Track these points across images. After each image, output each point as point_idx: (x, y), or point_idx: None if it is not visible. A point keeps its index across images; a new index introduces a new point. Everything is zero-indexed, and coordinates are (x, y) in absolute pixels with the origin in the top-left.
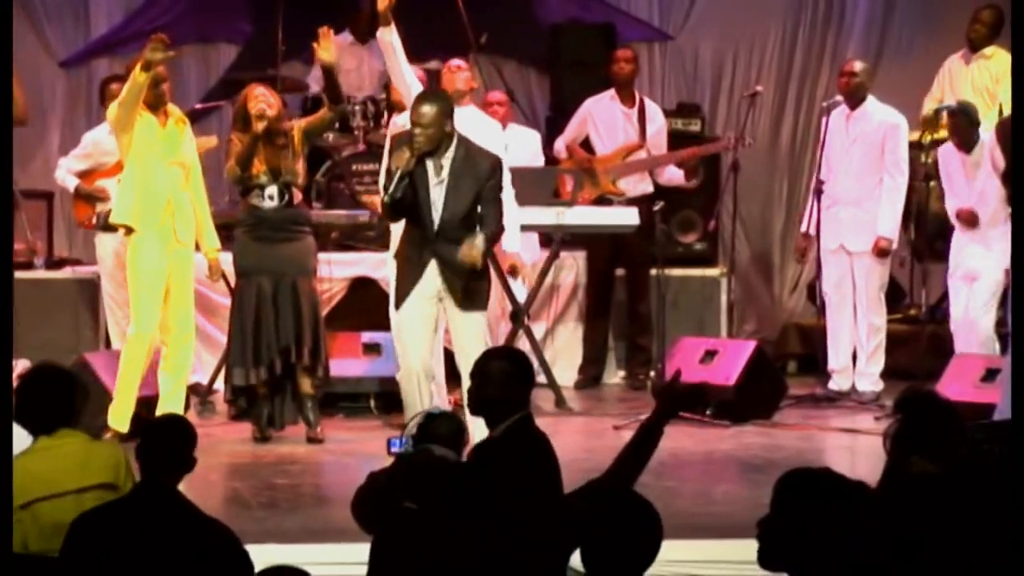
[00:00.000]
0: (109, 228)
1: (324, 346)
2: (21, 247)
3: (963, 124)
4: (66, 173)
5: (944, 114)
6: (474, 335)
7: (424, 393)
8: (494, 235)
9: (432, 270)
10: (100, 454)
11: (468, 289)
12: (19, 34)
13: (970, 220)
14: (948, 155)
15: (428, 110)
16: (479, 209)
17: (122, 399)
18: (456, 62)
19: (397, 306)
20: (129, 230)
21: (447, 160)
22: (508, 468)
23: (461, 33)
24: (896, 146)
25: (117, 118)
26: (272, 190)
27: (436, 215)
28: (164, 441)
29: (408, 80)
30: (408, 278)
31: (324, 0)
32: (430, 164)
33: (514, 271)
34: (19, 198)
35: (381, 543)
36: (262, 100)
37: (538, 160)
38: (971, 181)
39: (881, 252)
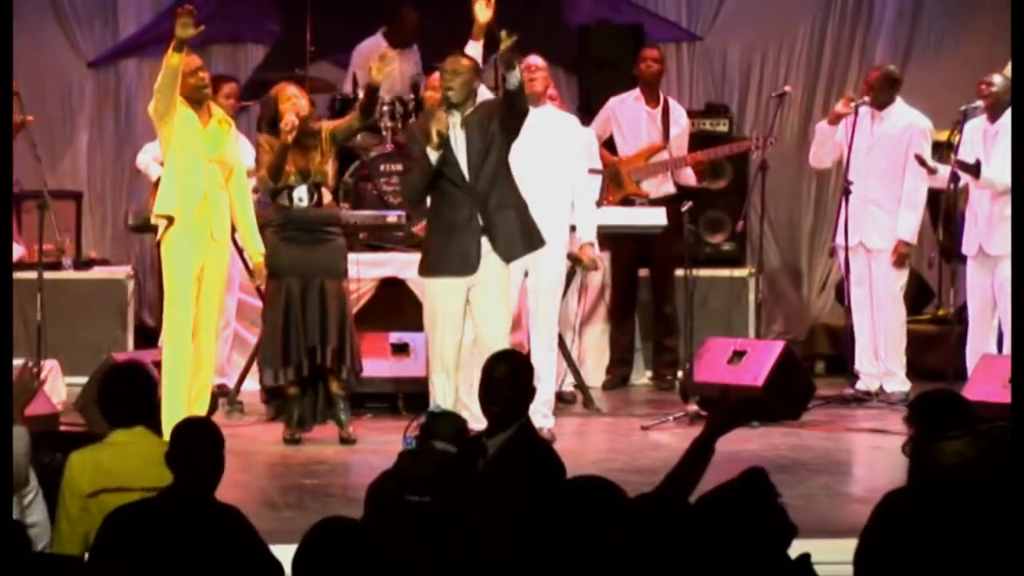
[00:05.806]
0: (140, 229)
1: (353, 348)
2: (50, 247)
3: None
4: (151, 159)
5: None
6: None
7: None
8: None
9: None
10: None
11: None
12: (48, 34)
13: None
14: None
15: (465, 61)
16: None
17: (172, 409)
18: (533, 60)
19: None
20: (171, 222)
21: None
22: (522, 474)
23: (489, 33)
24: (920, 150)
25: (155, 106)
26: (302, 191)
27: (466, 171)
28: (192, 447)
29: None
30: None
31: (352, 1)
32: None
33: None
34: (48, 198)
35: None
36: (292, 106)
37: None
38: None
39: (900, 257)
